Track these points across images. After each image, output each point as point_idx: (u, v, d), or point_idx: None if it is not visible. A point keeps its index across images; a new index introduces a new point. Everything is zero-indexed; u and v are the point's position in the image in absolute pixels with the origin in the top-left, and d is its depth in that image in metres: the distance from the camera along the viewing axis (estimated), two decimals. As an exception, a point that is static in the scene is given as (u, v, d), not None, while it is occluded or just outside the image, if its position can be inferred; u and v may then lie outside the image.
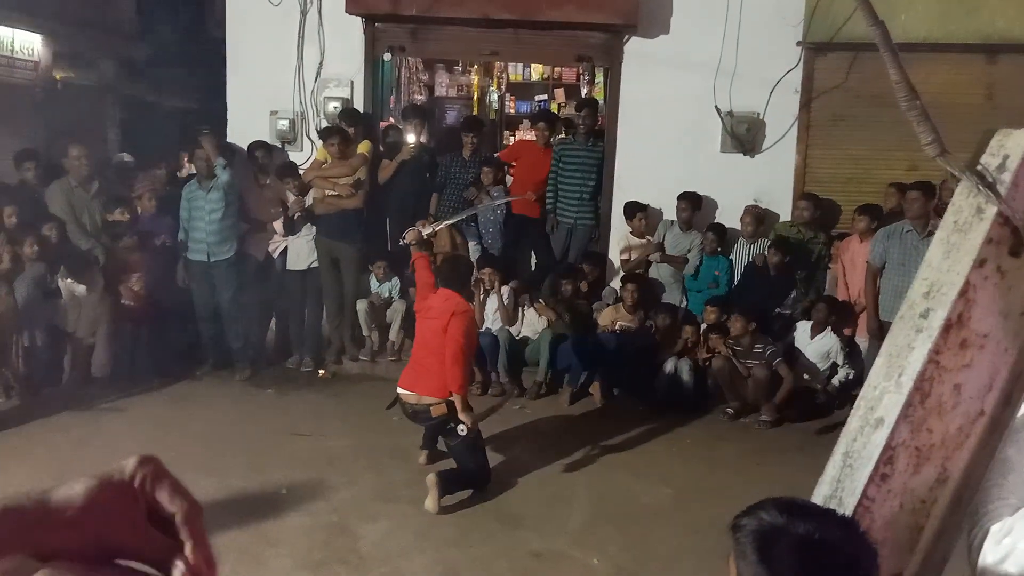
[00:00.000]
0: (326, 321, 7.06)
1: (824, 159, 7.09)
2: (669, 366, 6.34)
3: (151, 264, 6.64)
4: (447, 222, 6.05)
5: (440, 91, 10.13)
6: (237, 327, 6.80)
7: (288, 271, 6.98)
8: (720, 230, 6.88)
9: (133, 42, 10.27)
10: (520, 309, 6.80)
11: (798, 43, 6.78)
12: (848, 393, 6.07)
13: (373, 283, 7.08)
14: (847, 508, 1.39)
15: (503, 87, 10.00)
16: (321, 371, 6.94)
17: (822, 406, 6.20)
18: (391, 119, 8.04)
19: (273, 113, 7.25)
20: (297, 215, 6.85)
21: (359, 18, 7.07)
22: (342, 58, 7.17)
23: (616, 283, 7.01)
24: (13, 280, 6.02)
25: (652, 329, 6.60)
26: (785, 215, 7.05)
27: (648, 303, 6.75)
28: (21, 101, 8.47)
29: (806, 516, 1.22)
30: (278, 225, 6.93)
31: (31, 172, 6.64)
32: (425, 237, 5.19)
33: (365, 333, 6.96)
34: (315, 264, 6.92)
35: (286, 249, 6.97)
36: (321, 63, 7.16)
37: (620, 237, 7.17)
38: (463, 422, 4.56)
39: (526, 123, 9.47)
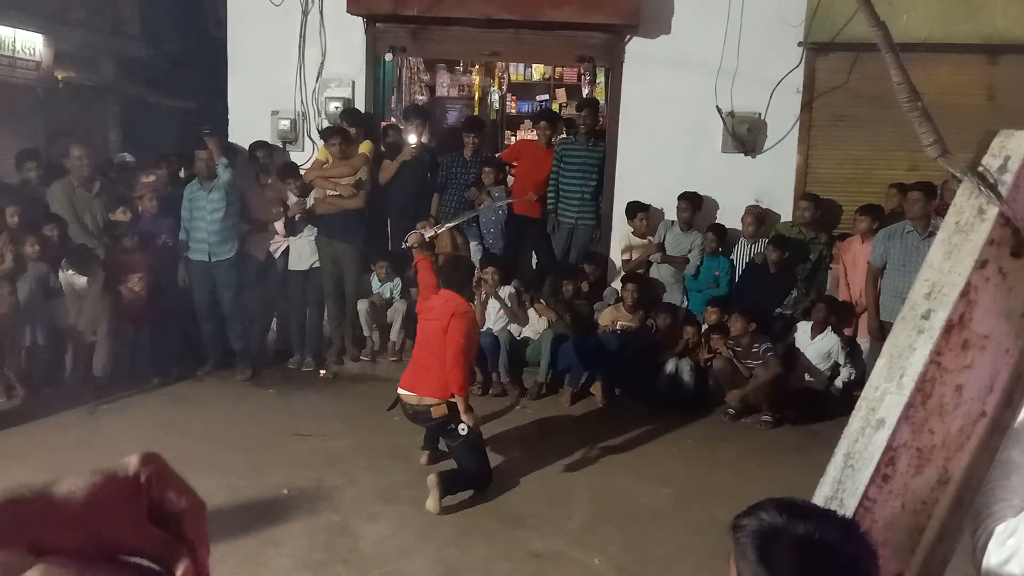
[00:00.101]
0: (327, 321, 7.07)
1: (825, 159, 7.10)
2: (670, 366, 6.34)
3: (152, 264, 6.63)
4: (449, 225, 6.05)
5: (441, 91, 10.13)
6: (238, 327, 6.81)
7: (290, 271, 6.99)
8: (721, 230, 6.88)
9: (134, 42, 10.26)
10: (523, 308, 6.81)
11: (799, 43, 6.79)
12: (850, 394, 6.07)
13: (374, 283, 7.09)
14: (848, 509, 1.39)
15: (504, 87, 10.01)
16: (322, 371, 6.94)
17: (825, 408, 6.19)
18: (392, 119, 8.03)
19: (274, 113, 7.25)
20: (298, 216, 6.85)
21: (360, 18, 7.07)
22: (343, 58, 7.17)
23: (617, 283, 7.01)
24: (16, 280, 6.03)
25: (653, 329, 6.60)
26: (786, 215, 7.05)
27: (649, 303, 6.76)
28: (23, 101, 8.46)
29: (806, 517, 1.22)
30: (279, 225, 6.94)
31: (33, 172, 6.66)
32: (427, 240, 5.19)
33: (366, 333, 6.96)
34: (317, 264, 6.93)
35: (287, 249, 6.98)
36: (322, 63, 7.16)
37: (621, 237, 7.17)
38: (464, 423, 4.56)
39: (527, 123, 9.47)
